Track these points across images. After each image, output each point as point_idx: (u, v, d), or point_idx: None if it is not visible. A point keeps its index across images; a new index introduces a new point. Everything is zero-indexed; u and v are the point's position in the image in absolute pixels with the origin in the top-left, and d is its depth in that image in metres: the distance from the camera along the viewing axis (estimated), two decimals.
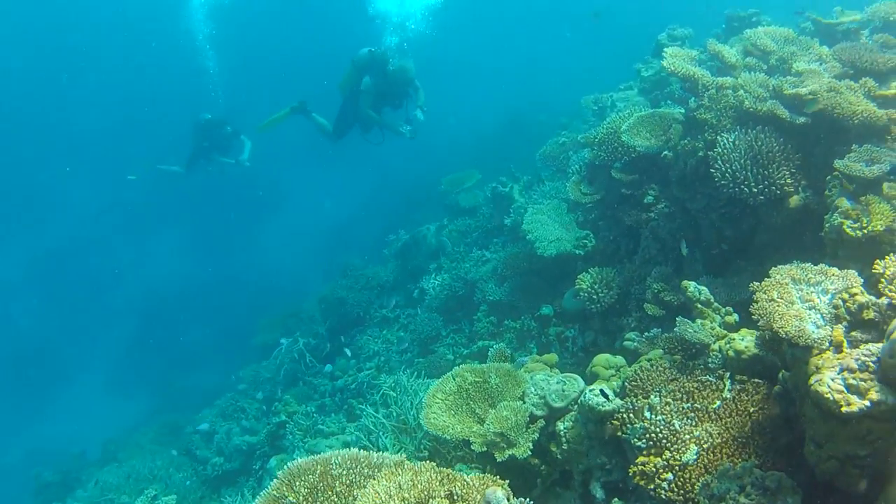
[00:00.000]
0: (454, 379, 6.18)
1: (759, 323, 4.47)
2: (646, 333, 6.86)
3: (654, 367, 5.72)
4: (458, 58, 37.82)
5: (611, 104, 12.53)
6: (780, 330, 4.31)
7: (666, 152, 7.71)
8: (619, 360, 6.74)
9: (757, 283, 4.70)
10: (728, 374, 5.35)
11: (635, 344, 6.79)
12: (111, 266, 29.14)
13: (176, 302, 25.00)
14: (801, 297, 4.63)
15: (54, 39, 33.59)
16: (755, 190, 6.31)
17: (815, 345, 4.26)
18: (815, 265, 4.82)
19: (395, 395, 8.44)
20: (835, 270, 4.98)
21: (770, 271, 4.81)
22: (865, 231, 5.33)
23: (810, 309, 4.56)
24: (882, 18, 9.18)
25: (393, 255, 14.80)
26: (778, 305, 4.47)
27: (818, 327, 4.44)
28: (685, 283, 6.26)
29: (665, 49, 7.69)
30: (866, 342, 4.58)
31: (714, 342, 5.72)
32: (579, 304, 8.35)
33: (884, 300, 4.59)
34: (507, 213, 12.49)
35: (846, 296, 4.66)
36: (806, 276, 4.72)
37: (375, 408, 9.11)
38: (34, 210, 32.07)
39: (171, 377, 20.86)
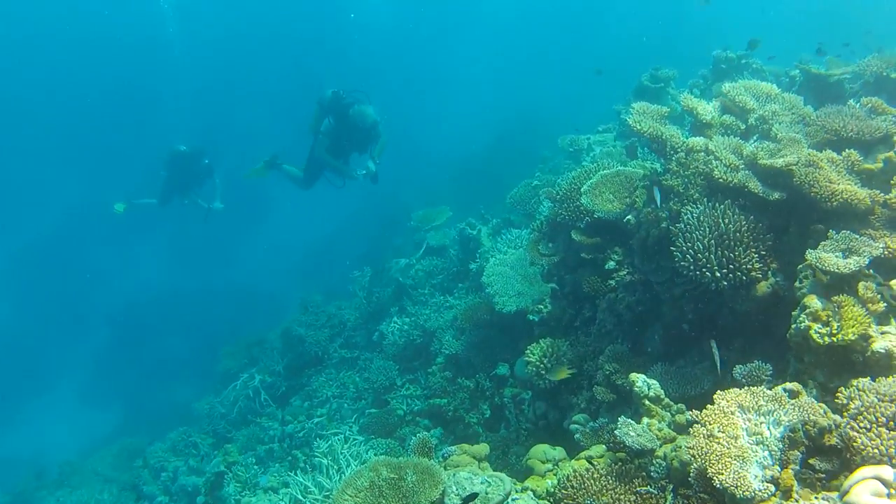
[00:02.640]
0: (368, 473, 5.47)
1: (694, 465, 3.79)
2: (590, 423, 6.21)
3: (590, 475, 5.05)
4: (455, 69, 37.46)
5: (587, 147, 11.87)
6: (716, 477, 3.63)
7: (629, 217, 7.02)
8: (559, 452, 6.07)
9: (696, 412, 4.01)
10: (671, 486, 4.66)
11: (578, 435, 6.12)
12: (90, 271, 28.55)
13: (154, 312, 24.43)
14: (749, 429, 3.94)
15: (33, 35, 33.17)
16: (718, 275, 5.61)
17: (756, 497, 3.57)
18: (770, 390, 4.14)
19: (325, 462, 7.74)
20: (797, 386, 4.33)
21: (715, 395, 4.12)
22: (835, 339, 4.64)
23: (758, 444, 3.87)
24: (875, 73, 8.53)
25: (359, 288, 14.15)
26: (717, 444, 3.78)
27: (764, 468, 3.76)
28: (633, 376, 5.59)
29: (632, 105, 6.99)
30: (824, 475, 3.93)
31: (660, 447, 5.05)
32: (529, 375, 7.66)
33: (844, 423, 3.94)
34: (473, 257, 11.83)
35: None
36: (756, 403, 4.03)
37: (321, 461, 8.47)
38: (13, 208, 31.41)
39: (145, 390, 20.28)
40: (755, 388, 4.16)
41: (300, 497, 7.64)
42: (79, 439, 18.91)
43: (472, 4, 39.81)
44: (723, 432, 3.84)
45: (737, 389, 4.16)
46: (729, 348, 6.22)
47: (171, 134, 16.82)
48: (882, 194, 5.59)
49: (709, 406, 4.06)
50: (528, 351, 7.55)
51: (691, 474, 4.12)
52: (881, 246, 5.09)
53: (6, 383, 23.25)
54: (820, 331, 4.73)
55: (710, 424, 3.89)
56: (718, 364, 5.48)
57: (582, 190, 7.31)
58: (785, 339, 5.15)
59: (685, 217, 5.88)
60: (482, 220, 12.88)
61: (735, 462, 3.68)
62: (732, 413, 3.96)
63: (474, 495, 5.13)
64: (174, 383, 19.64)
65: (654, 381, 5.58)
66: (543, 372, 7.26)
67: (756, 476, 3.67)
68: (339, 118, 11.27)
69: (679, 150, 6.57)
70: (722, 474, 3.61)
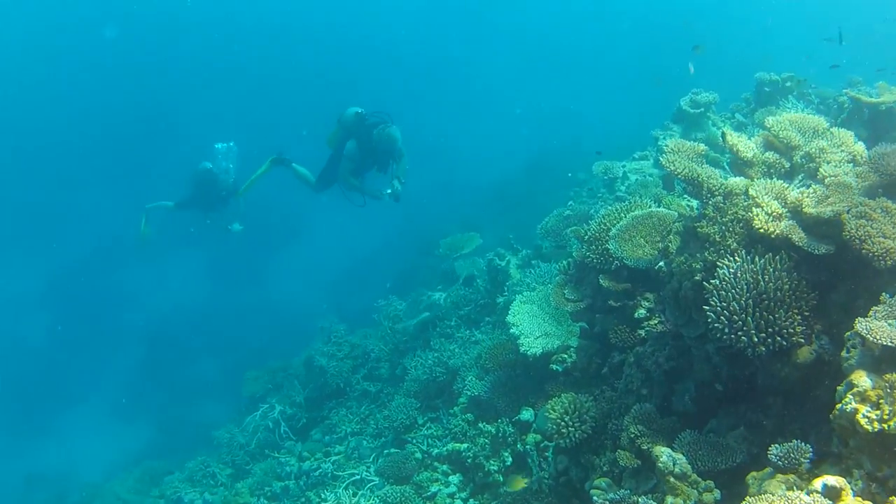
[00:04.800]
0: None
1: None
2: (611, 494, 5.65)
3: None
4: (496, 89, 37.08)
5: (622, 175, 11.28)
6: None
7: (661, 264, 6.45)
8: None
9: None
10: None
11: None
12: (126, 288, 28.54)
13: (187, 331, 24.26)
14: None
15: (76, 57, 33.54)
16: (756, 339, 5.02)
17: None
18: (808, 495, 3.56)
19: None
20: (840, 482, 3.75)
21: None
22: (886, 426, 4.05)
23: None
24: None
25: (384, 318, 13.74)
26: None
27: None
28: (657, 449, 5.04)
29: (666, 142, 6.43)
30: None
31: None
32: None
33: None
34: (501, 290, 11.28)
35: None
36: None
37: None
38: (53, 227, 31.58)
39: (174, 410, 20.11)
40: (790, 491, 3.59)
41: None
42: (106, 456, 18.79)
43: (515, 21, 39.54)
44: None
45: (770, 495, 3.59)
46: (767, 414, 5.64)
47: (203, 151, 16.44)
48: None
49: None
50: (549, 406, 7.01)
51: None
52: None
53: (39, 398, 23.33)
54: (868, 415, 4.15)
55: None
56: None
57: (610, 234, 6.76)
58: (829, 405, 4.58)
59: (720, 273, 5.29)
60: (511, 249, 12.32)
61: None
62: None
63: None
64: (203, 404, 19.40)
65: (681, 456, 5.02)
66: (564, 430, 6.72)
67: None
68: (362, 141, 11.15)
69: (716, 193, 5.99)
70: None
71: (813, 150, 6.57)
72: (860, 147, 6.63)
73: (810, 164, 6.51)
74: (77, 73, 34.20)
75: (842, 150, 6.57)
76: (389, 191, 11.04)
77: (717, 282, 5.27)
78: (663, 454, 4.99)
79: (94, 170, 32.76)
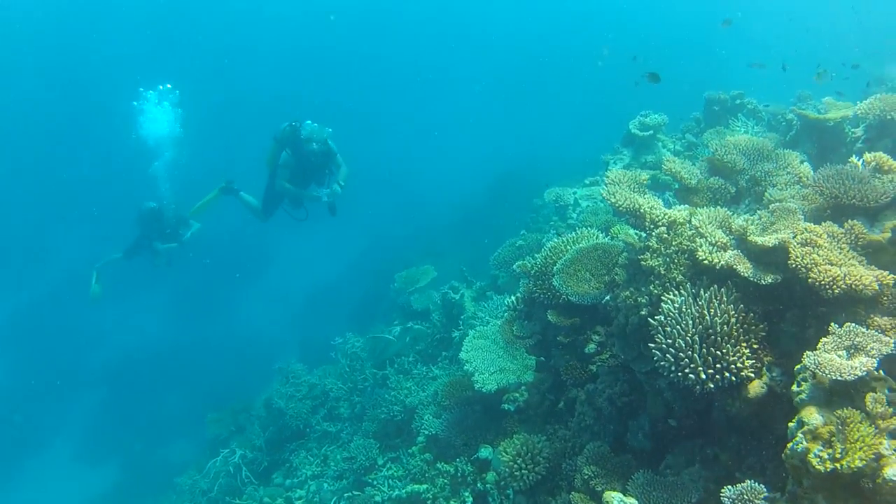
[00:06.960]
0: None
1: None
2: None
3: None
4: (458, 112, 37.01)
5: (574, 202, 11.14)
6: None
7: (607, 298, 6.27)
8: None
9: None
10: None
11: None
12: (87, 327, 28.01)
13: (152, 369, 23.86)
14: None
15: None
16: (703, 376, 4.85)
17: None
18: None
19: None
20: None
21: None
22: (838, 465, 3.88)
23: None
24: (878, 116, 7.76)
25: (342, 356, 13.48)
26: None
27: None
28: (608, 495, 4.86)
29: (607, 172, 6.27)
30: None
31: None
32: None
33: None
34: (456, 324, 11.09)
35: None
36: None
37: None
38: (11, 267, 30.99)
39: (141, 450, 19.79)
40: None
41: None
42: (73, 501, 18.45)
43: (479, 42, 39.67)
44: None
45: None
46: (723, 448, 5.47)
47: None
48: (891, 275, 4.82)
49: None
50: (501, 447, 6.82)
51: None
52: (893, 341, 4.33)
53: (4, 438, 22.91)
54: (820, 454, 3.98)
55: None
56: None
57: (554, 269, 6.58)
58: (785, 438, 4.41)
59: (665, 308, 5.12)
60: (466, 282, 12.10)
61: None
62: None
63: None
64: (169, 443, 19.20)
65: (633, 500, 4.83)
66: (517, 473, 6.51)
67: None
68: (296, 148, 11.17)
69: (660, 223, 5.82)
70: None
71: (758, 173, 6.46)
72: (806, 168, 6.53)
73: (756, 188, 6.40)
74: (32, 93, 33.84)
75: (787, 173, 6.46)
76: (327, 190, 11.03)
77: (662, 318, 5.10)
78: (614, 500, 4.81)
79: (52, 205, 32.29)
